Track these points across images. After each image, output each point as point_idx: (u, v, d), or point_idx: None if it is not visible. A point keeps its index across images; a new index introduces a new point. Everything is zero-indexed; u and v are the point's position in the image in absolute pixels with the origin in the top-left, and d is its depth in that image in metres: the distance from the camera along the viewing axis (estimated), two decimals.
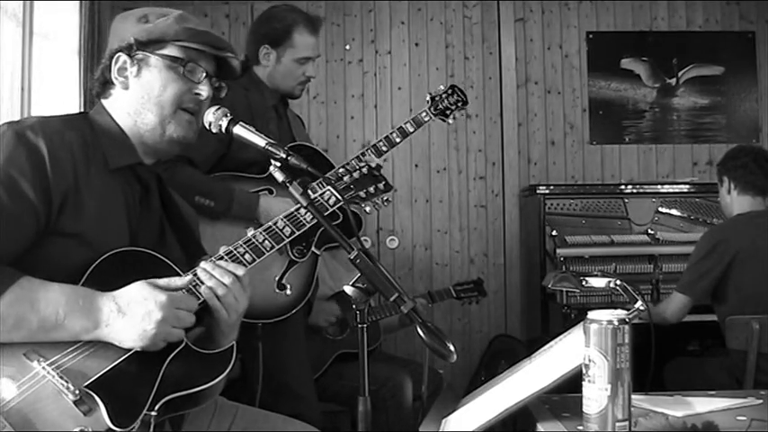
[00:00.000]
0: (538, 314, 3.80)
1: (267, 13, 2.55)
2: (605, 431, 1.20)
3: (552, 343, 1.52)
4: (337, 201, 1.79)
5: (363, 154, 2.47)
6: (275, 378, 2.29)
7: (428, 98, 2.59)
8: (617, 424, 1.20)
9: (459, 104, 2.62)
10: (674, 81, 4.24)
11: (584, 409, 1.23)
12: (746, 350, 2.64)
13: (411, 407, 2.84)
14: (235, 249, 1.51)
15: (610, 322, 1.21)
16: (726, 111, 4.25)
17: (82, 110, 2.89)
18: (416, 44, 4.21)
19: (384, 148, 2.50)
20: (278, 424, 1.65)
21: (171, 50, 1.51)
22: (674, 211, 3.70)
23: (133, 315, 1.31)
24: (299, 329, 2.47)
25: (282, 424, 1.66)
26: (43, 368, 1.26)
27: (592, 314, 1.24)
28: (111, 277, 1.35)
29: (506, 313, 4.17)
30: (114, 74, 1.51)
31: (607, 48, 4.23)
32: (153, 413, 1.30)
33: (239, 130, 1.49)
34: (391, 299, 1.33)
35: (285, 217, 1.63)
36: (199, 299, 1.42)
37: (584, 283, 1.80)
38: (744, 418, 1.42)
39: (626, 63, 4.23)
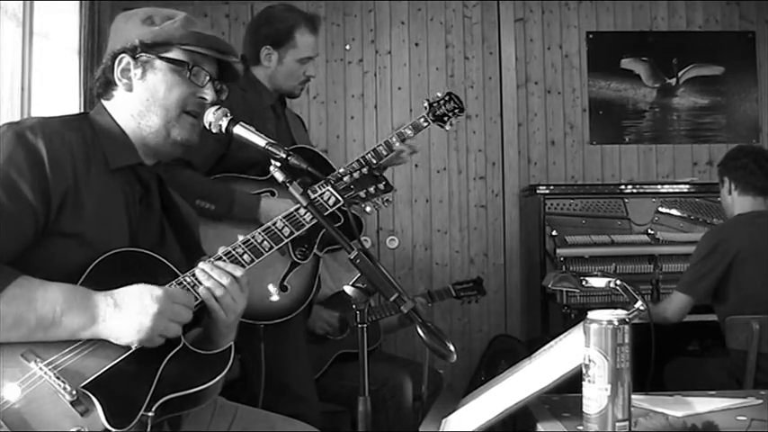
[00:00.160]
0: (538, 314, 3.80)
1: (266, 13, 2.55)
2: (605, 431, 1.20)
3: (552, 343, 1.52)
4: (337, 201, 1.79)
5: (364, 157, 2.47)
6: (276, 378, 2.29)
7: (426, 104, 2.59)
8: (617, 424, 1.20)
9: (456, 111, 2.62)
10: (674, 81, 4.24)
11: (584, 409, 1.23)
12: (746, 350, 2.64)
13: (411, 407, 2.84)
14: (233, 250, 1.51)
15: (610, 322, 1.21)
16: (726, 111, 4.25)
17: (82, 110, 2.90)
18: (416, 44, 4.21)
19: (384, 152, 2.50)
20: (278, 424, 1.65)
21: (176, 54, 1.51)
22: (674, 211, 3.70)
23: (129, 309, 1.31)
24: (300, 330, 2.48)
25: (282, 424, 1.66)
26: (40, 368, 1.26)
27: (592, 314, 1.24)
28: (109, 277, 1.35)
29: (506, 313, 4.17)
30: (117, 75, 1.51)
31: (607, 48, 4.23)
32: (150, 414, 1.30)
33: (239, 130, 1.49)
34: (391, 299, 1.33)
35: (284, 217, 1.63)
36: (197, 299, 1.42)
37: (584, 283, 1.80)
38: (744, 418, 1.42)
39: (626, 63, 4.23)
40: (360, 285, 1.40)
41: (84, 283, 1.34)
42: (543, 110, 4.23)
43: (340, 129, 4.16)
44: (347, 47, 4.18)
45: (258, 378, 2.25)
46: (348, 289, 1.40)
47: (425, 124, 2.57)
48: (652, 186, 3.76)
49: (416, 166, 4.16)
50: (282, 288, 2.24)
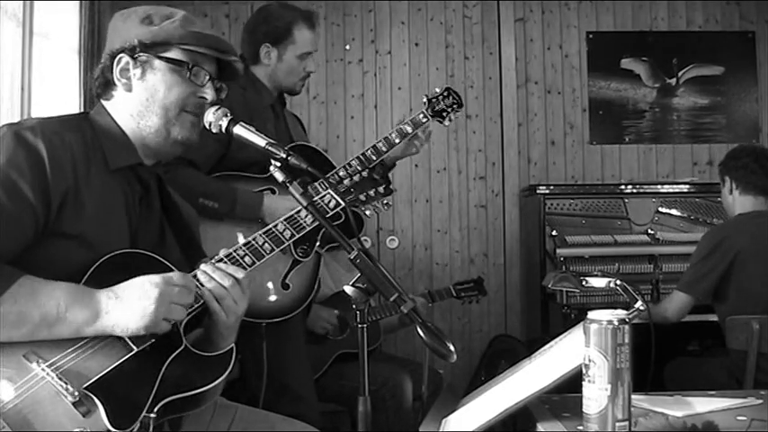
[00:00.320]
0: (538, 314, 3.80)
1: (263, 11, 2.55)
2: (605, 431, 1.20)
3: (552, 343, 1.52)
4: (337, 204, 1.79)
5: (364, 154, 2.48)
6: (276, 378, 2.29)
7: (425, 100, 2.59)
8: (617, 424, 1.20)
9: (455, 107, 2.62)
10: (674, 81, 4.24)
11: (584, 409, 1.23)
12: (746, 350, 2.64)
13: (411, 407, 2.84)
14: (234, 252, 1.51)
15: (610, 322, 1.21)
16: (726, 111, 4.25)
17: (82, 110, 2.89)
18: (416, 44, 4.21)
19: (384, 149, 2.51)
20: (277, 424, 1.65)
21: (175, 53, 1.51)
22: (674, 211, 3.70)
23: (130, 297, 1.32)
24: (300, 330, 2.48)
25: (282, 424, 1.66)
26: (42, 369, 1.26)
27: (592, 314, 1.24)
28: (110, 279, 1.35)
29: (506, 313, 4.17)
30: (116, 75, 1.51)
31: (607, 48, 4.23)
32: (152, 415, 1.30)
33: (239, 130, 1.49)
34: (391, 299, 1.33)
35: (285, 220, 1.63)
36: (198, 300, 1.42)
37: (584, 283, 1.80)
38: (744, 418, 1.42)
39: (626, 63, 4.23)
40: (360, 285, 1.40)
41: (86, 284, 1.34)
42: (543, 110, 4.23)
43: (340, 129, 4.16)
44: (347, 47, 4.18)
45: (259, 377, 2.25)
46: (348, 289, 1.40)
47: (425, 120, 2.57)
48: (652, 186, 3.76)
49: (416, 166, 4.16)
50: (284, 286, 2.24)
